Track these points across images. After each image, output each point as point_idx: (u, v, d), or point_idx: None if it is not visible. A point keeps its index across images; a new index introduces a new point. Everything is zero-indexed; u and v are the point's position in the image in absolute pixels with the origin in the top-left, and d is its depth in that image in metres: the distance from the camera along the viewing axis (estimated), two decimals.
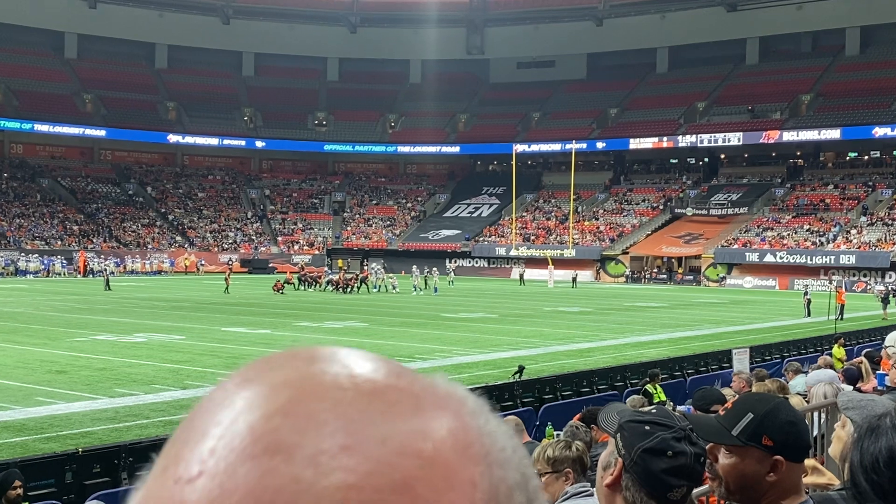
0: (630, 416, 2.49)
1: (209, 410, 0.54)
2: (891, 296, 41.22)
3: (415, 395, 0.56)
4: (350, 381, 0.55)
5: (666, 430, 2.37)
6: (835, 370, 10.85)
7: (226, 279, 50.36)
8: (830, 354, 16.62)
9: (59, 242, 69.46)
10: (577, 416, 7.08)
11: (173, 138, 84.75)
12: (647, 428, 2.38)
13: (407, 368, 0.58)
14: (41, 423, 15.08)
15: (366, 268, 65.83)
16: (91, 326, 29.75)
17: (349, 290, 51.42)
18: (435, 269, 59.78)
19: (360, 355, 0.58)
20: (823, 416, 5.89)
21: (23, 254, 65.47)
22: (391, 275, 57.49)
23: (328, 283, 54.21)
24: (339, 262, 76.20)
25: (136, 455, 11.39)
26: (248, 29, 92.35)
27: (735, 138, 76.17)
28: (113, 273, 65.11)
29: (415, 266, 57.83)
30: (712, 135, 77.39)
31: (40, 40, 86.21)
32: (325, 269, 65.88)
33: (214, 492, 0.50)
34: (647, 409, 2.79)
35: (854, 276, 60.77)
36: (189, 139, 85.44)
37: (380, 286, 54.25)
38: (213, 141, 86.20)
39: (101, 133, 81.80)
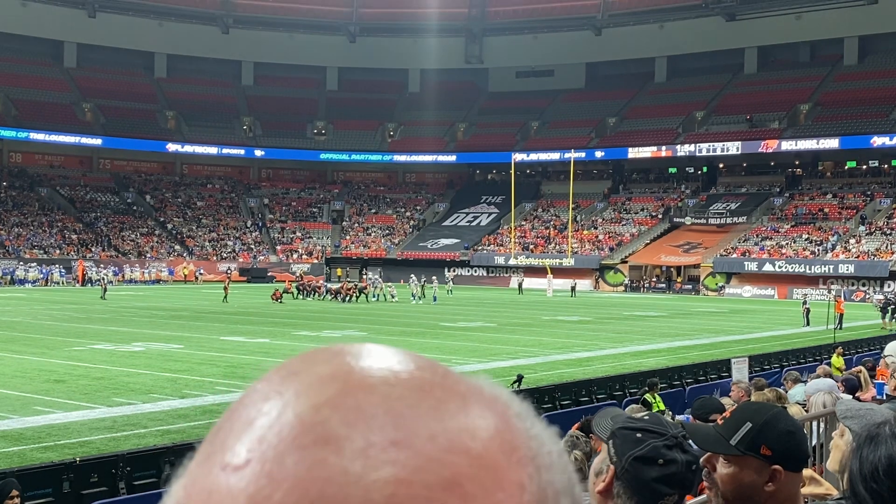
0: (622, 423, 2.49)
1: (255, 401, 0.54)
2: (890, 306, 41.07)
3: (461, 394, 0.56)
4: (398, 377, 0.55)
5: (658, 438, 2.36)
6: (834, 379, 10.83)
7: (224, 288, 50.33)
8: (829, 364, 16.61)
9: (58, 251, 69.43)
10: (576, 425, 7.07)
11: (172, 147, 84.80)
12: (638, 435, 2.37)
13: (450, 368, 0.59)
14: (39, 433, 15.05)
15: (364, 277, 65.81)
16: (89, 335, 29.72)
17: (347, 299, 51.42)
18: (434, 277, 59.77)
19: (406, 353, 0.59)
20: (822, 425, 5.88)
21: (21, 263, 65.44)
22: (389, 284, 57.46)
23: (327, 291, 54.18)
24: (339, 271, 76.22)
25: (134, 464, 11.37)
26: (248, 38, 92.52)
27: (734, 147, 76.26)
28: (111, 282, 65.16)
29: (413, 275, 57.80)
30: (711, 144, 77.47)
31: (39, 49, 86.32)
32: (322, 279, 65.78)
33: (262, 480, 0.50)
34: (640, 415, 2.77)
35: (853, 285, 60.79)
36: (188, 148, 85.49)
37: (378, 295, 54.22)
38: (213, 150, 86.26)
39: (100, 142, 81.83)
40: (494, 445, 0.53)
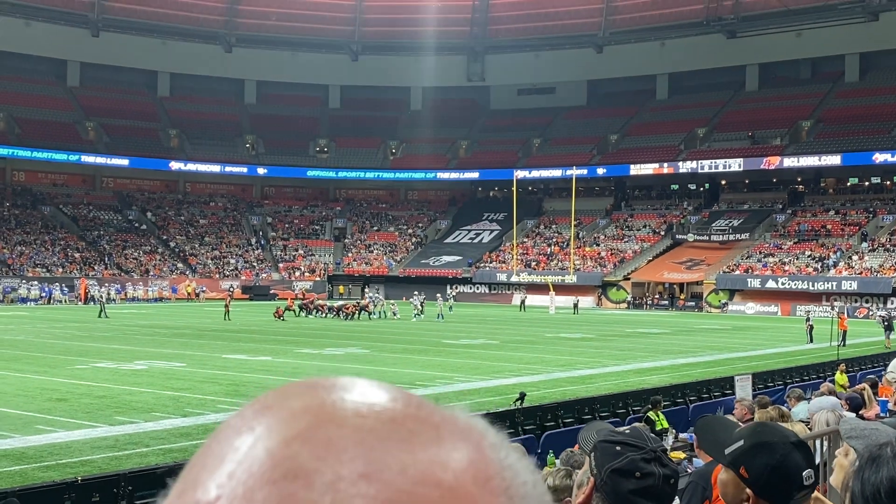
0: (603, 436, 2.53)
1: (227, 436, 0.54)
2: (894, 321, 40.88)
3: (434, 425, 0.55)
4: (369, 409, 0.55)
5: (636, 451, 2.40)
6: (837, 397, 10.80)
7: (225, 306, 50.27)
8: (833, 381, 16.55)
9: (61, 270, 69.49)
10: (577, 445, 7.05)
11: (175, 165, 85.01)
12: (618, 448, 2.41)
13: (426, 400, 0.58)
14: (41, 452, 15.01)
15: (365, 295, 65.72)
16: (92, 354, 29.70)
17: (349, 317, 51.42)
18: (439, 294, 59.67)
19: (379, 385, 0.58)
20: (826, 443, 5.86)
21: (24, 281, 65.49)
22: (392, 302, 57.38)
23: (329, 309, 54.15)
24: (341, 289, 76.23)
25: (136, 483, 11.33)
26: (251, 57, 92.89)
27: (736, 164, 76.35)
28: (113, 300, 65.15)
29: (416, 292, 57.75)
30: (713, 161, 77.57)
31: (43, 68, 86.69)
32: (322, 297, 65.71)
33: None
34: (621, 428, 2.82)
35: (856, 301, 60.70)
36: (191, 166, 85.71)
37: (379, 312, 54.16)
38: (215, 168, 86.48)
39: (103, 160, 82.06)
40: (467, 476, 0.53)
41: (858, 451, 2.69)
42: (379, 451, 0.52)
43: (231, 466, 0.52)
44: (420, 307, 53.48)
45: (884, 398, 10.10)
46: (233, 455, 0.53)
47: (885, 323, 39.61)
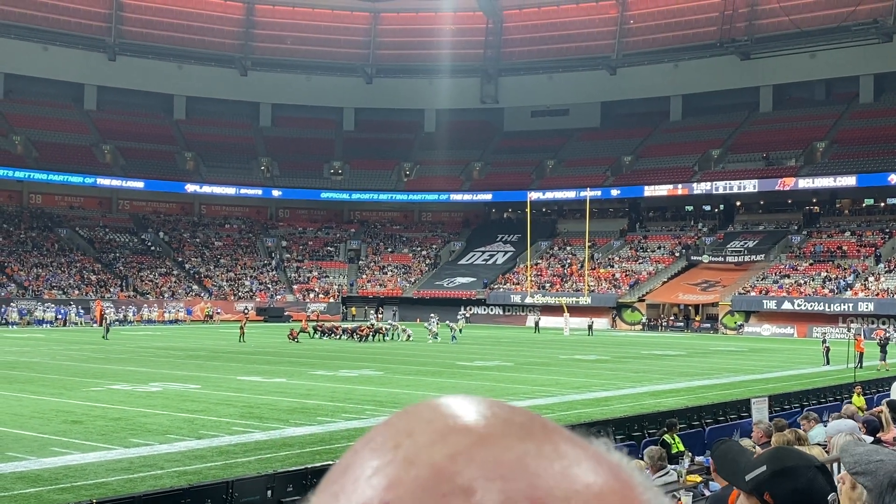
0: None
1: (384, 446, 0.55)
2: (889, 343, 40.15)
3: (592, 456, 0.57)
4: (533, 437, 0.56)
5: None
6: (856, 419, 10.71)
7: (241, 328, 50.37)
8: (851, 403, 16.43)
9: (77, 292, 69.82)
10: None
11: (191, 188, 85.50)
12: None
13: (573, 433, 0.59)
14: (56, 474, 15.04)
15: (378, 316, 65.67)
16: (107, 376, 29.77)
17: (364, 339, 51.46)
18: (459, 317, 59.71)
19: (510, 405, 0.60)
20: (843, 468, 5.80)
21: (40, 303, 65.84)
22: (404, 324, 57.37)
23: (344, 331, 54.19)
24: (353, 310, 76.28)
25: None
26: (266, 80, 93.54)
27: (750, 185, 76.16)
28: (132, 321, 65.45)
29: (431, 315, 57.73)
30: (727, 182, 77.41)
31: (60, 92, 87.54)
32: (329, 319, 65.71)
33: None
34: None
35: (872, 323, 60.27)
36: (206, 189, 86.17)
37: (393, 334, 54.13)
38: (231, 190, 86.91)
39: (119, 183, 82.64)
40: None
41: (868, 487, 2.66)
42: (544, 478, 0.54)
43: (397, 475, 0.54)
44: (434, 330, 53.41)
45: None
46: (397, 465, 0.54)
47: (881, 343, 38.93)
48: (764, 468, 2.49)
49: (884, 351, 38.01)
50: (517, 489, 0.52)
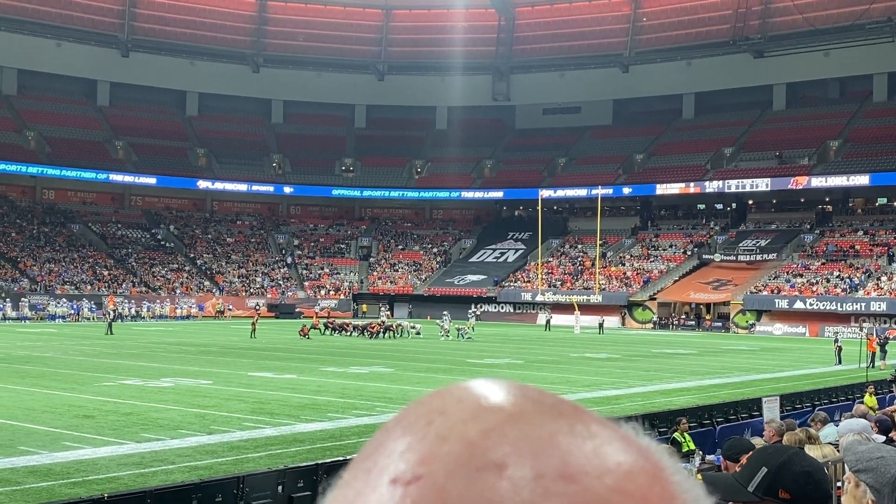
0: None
1: (418, 423, 0.56)
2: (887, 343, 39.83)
3: (624, 438, 0.58)
4: (565, 417, 0.57)
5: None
6: (868, 419, 10.67)
7: (252, 324, 50.48)
8: (862, 402, 16.37)
9: (89, 287, 70.12)
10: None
11: (203, 184, 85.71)
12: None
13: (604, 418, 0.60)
14: (67, 468, 15.11)
15: (387, 314, 65.63)
16: (119, 371, 29.89)
17: (374, 335, 51.52)
18: (470, 315, 59.68)
19: (565, 399, 0.61)
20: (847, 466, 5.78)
21: (52, 298, 66.14)
22: (415, 321, 57.37)
23: (354, 328, 54.27)
24: (364, 307, 76.34)
25: (162, 500, 11.38)
26: (278, 77, 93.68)
27: (763, 184, 75.87)
28: (141, 317, 65.71)
29: (444, 313, 57.74)
30: (740, 181, 77.14)
31: (73, 88, 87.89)
32: (322, 312, 65.73)
33: (433, 497, 0.52)
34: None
35: (885, 322, 59.99)
36: (218, 185, 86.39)
37: (403, 332, 54.04)
38: (242, 187, 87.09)
39: (132, 179, 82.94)
40: (655, 493, 0.55)
41: (871, 485, 2.65)
42: (577, 455, 0.54)
43: (430, 449, 0.54)
44: (447, 328, 53.41)
45: None
46: (431, 440, 0.55)
47: (881, 343, 38.67)
48: (764, 469, 2.47)
49: (883, 350, 37.87)
50: (549, 465, 0.53)
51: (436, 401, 0.58)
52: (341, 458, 14.15)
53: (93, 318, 63.70)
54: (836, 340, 40.63)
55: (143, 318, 66.69)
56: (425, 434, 0.55)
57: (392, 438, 0.56)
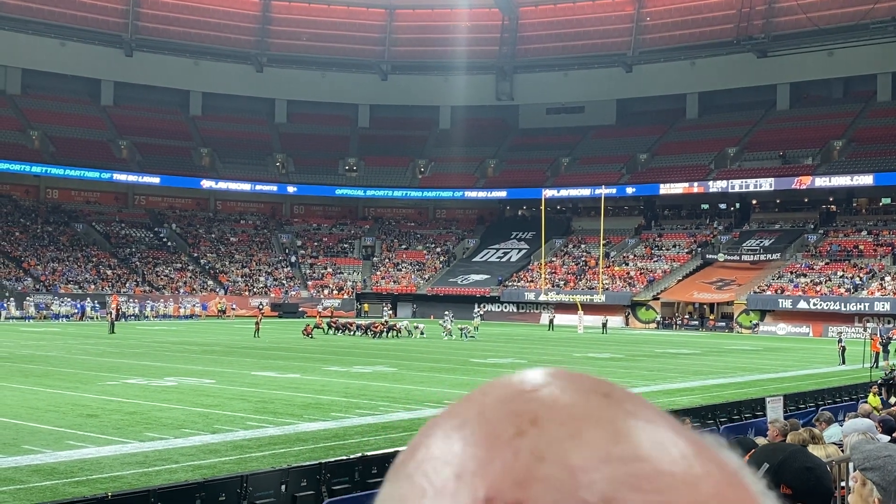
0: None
1: (501, 421, 0.53)
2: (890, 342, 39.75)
3: (696, 442, 0.56)
4: (674, 445, 0.55)
5: None
6: (872, 418, 10.64)
7: (256, 323, 50.53)
8: (866, 402, 16.34)
9: (93, 286, 70.20)
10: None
11: (206, 184, 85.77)
12: None
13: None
14: (71, 467, 15.13)
15: (394, 319, 65.51)
16: (122, 370, 29.93)
17: (377, 335, 51.52)
18: (475, 315, 59.70)
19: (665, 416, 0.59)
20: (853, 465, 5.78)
21: (56, 297, 66.21)
22: (416, 320, 57.32)
23: (358, 328, 54.28)
24: (366, 306, 76.33)
25: (165, 499, 11.39)
26: (281, 77, 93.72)
27: (767, 184, 75.77)
28: (145, 316, 65.80)
29: (446, 312, 57.70)
30: (744, 180, 77.04)
31: (77, 87, 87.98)
32: (325, 312, 65.73)
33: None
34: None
35: (889, 323, 59.89)
36: (222, 184, 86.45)
37: (407, 332, 53.96)
38: (246, 186, 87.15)
39: (136, 178, 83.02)
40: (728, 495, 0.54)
41: (878, 484, 2.65)
42: (645, 431, 0.54)
43: (523, 470, 0.51)
44: (449, 328, 53.37)
45: None
46: (518, 458, 0.51)
47: (884, 343, 38.62)
48: (765, 465, 2.47)
49: (886, 350, 37.78)
50: (619, 451, 0.53)
51: (519, 403, 0.54)
52: (344, 458, 14.16)
53: (96, 318, 63.77)
54: (840, 340, 40.58)
55: (147, 317, 66.76)
56: (516, 448, 0.51)
57: (466, 441, 0.52)
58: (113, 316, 53.70)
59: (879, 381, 20.46)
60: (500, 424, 0.52)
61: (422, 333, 53.02)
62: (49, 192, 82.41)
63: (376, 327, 52.76)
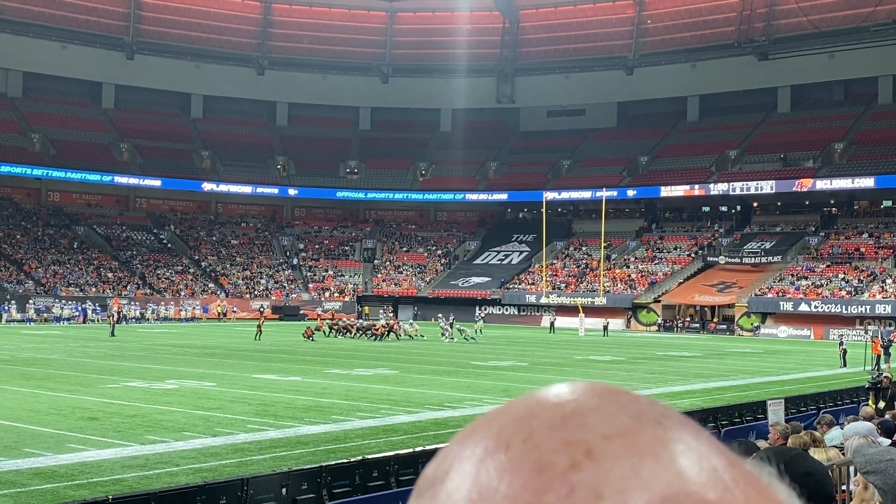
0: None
1: (559, 450, 0.52)
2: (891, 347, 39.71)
3: (744, 473, 0.57)
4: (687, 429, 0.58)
5: None
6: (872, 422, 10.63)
7: (258, 326, 50.53)
8: (867, 405, 16.33)
9: (94, 289, 70.22)
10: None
11: (208, 186, 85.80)
12: None
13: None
14: (72, 470, 15.13)
15: (388, 315, 65.41)
16: (123, 373, 29.93)
17: (378, 338, 51.52)
18: (477, 318, 59.79)
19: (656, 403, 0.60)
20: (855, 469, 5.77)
21: (57, 300, 66.21)
22: (411, 322, 57.18)
23: (359, 330, 54.27)
24: (366, 309, 76.30)
25: (166, 502, 11.38)
26: (282, 79, 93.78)
27: (767, 186, 75.75)
28: (146, 318, 65.79)
29: (440, 315, 57.67)
30: (744, 183, 77.02)
31: (78, 90, 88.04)
32: (326, 314, 65.68)
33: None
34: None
35: (890, 325, 59.86)
36: (223, 187, 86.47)
37: (410, 334, 53.97)
38: (247, 189, 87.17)
39: (137, 181, 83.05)
40: None
41: (879, 487, 2.65)
42: (701, 456, 0.54)
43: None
44: (448, 330, 53.29)
45: None
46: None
47: (886, 346, 38.51)
48: (775, 467, 2.47)
49: (887, 353, 37.69)
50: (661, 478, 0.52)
51: (570, 430, 0.53)
52: (345, 461, 14.14)
53: (97, 321, 63.78)
54: (841, 343, 40.53)
55: (148, 319, 66.77)
56: (572, 484, 0.50)
57: (514, 470, 0.50)
58: (114, 319, 53.67)
59: (867, 386, 20.37)
60: (551, 454, 0.50)
61: (421, 336, 52.96)
62: (50, 195, 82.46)
63: (377, 330, 52.74)
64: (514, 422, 0.52)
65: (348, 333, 54.51)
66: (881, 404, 16.87)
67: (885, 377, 18.87)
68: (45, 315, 63.52)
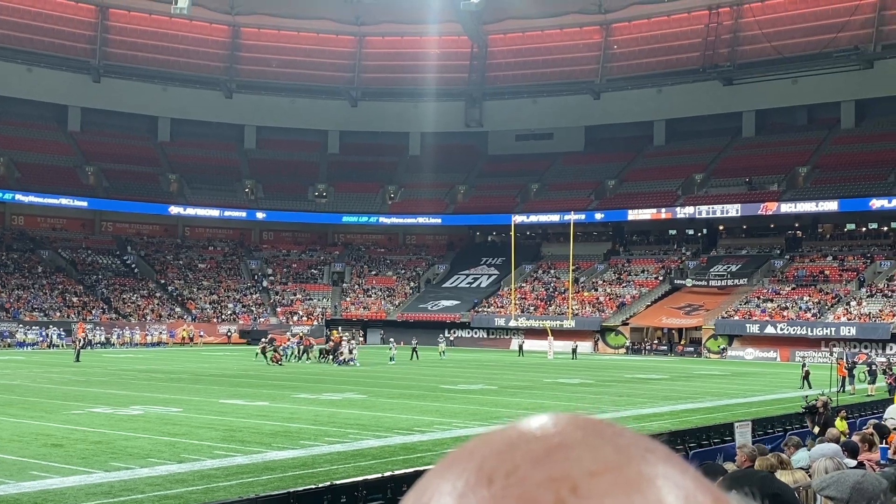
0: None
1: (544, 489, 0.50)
2: (878, 371, 40.23)
3: (717, 498, 0.58)
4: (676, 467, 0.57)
5: None
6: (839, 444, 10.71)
7: (264, 351, 50.14)
8: (834, 427, 16.43)
9: (58, 314, 69.34)
10: None
11: (174, 210, 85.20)
12: None
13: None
14: (35, 498, 14.87)
15: (338, 336, 62.47)
16: (88, 399, 29.53)
17: (332, 358, 51.19)
18: (440, 341, 60.20)
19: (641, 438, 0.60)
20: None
21: (21, 325, 65.30)
22: (353, 342, 56.71)
23: (321, 352, 53.93)
24: (334, 333, 75.70)
25: None
26: (251, 103, 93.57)
27: (733, 210, 76.55)
28: (111, 343, 65.00)
29: (391, 339, 58.33)
30: (710, 206, 77.79)
31: (44, 113, 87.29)
32: (287, 336, 64.80)
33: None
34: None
35: (855, 347, 60.51)
36: (190, 211, 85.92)
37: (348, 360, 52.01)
38: (215, 212, 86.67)
39: (103, 205, 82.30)
40: None
41: (837, 497, 2.68)
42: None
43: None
44: (394, 352, 53.76)
45: (884, 446, 10.03)
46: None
47: (869, 369, 39.13)
48: (734, 493, 2.48)
49: (851, 375, 38.08)
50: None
51: (553, 464, 0.51)
52: (313, 487, 14.02)
53: (62, 346, 62.95)
54: (804, 365, 40.89)
55: (113, 344, 66.01)
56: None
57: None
58: (79, 344, 52.98)
59: (802, 410, 20.43)
60: (535, 490, 0.49)
61: (354, 363, 50.13)
62: (14, 219, 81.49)
63: (330, 346, 52.90)
64: (497, 454, 0.51)
65: (306, 354, 54.06)
66: (815, 430, 16.88)
67: (820, 401, 18.97)
68: (9, 340, 62.63)
